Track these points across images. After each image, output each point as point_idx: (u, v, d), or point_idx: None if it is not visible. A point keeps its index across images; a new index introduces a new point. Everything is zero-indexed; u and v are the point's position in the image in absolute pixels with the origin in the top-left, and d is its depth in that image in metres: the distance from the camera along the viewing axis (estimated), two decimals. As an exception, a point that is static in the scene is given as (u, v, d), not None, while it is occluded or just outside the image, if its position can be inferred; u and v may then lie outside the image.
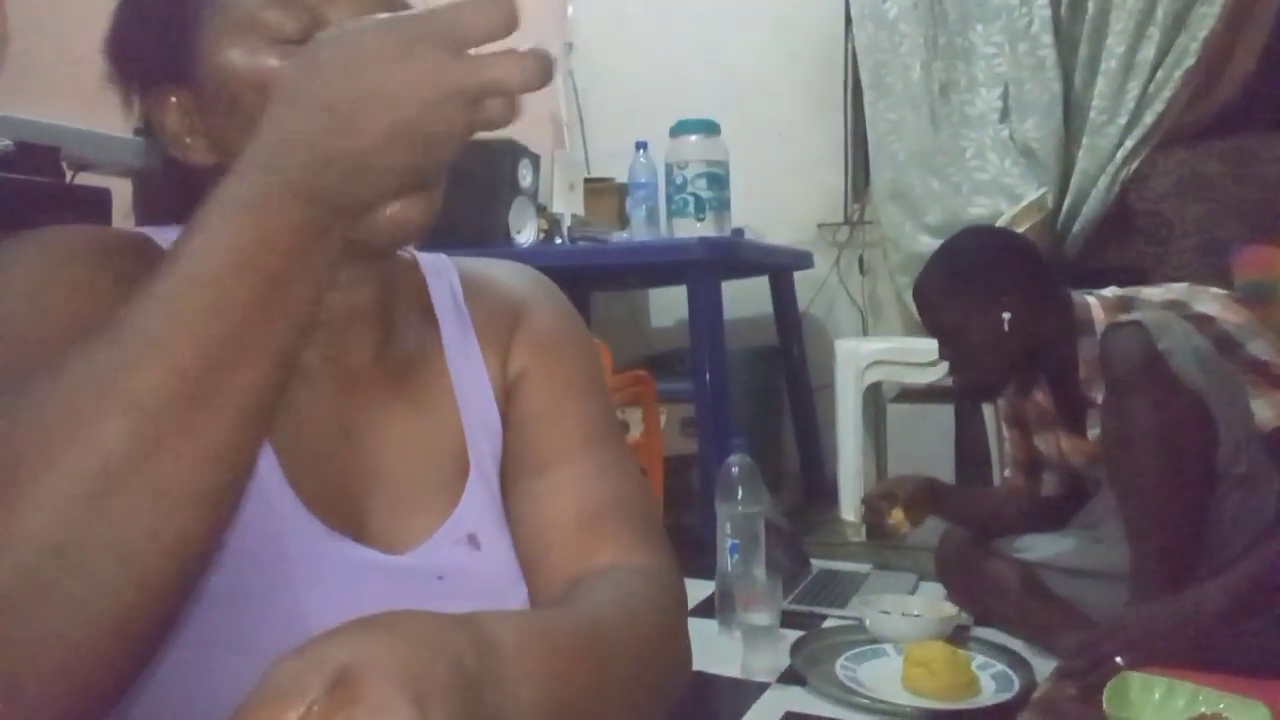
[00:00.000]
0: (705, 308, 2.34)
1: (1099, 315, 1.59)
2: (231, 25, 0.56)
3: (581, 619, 0.52)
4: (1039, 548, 1.73)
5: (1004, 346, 1.61)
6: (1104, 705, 1.14)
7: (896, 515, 1.81)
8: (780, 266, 2.98)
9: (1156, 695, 1.17)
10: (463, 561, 0.62)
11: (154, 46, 0.59)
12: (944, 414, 2.73)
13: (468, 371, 0.68)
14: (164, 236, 0.61)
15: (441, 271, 0.72)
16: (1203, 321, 1.45)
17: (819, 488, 3.01)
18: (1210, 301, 1.49)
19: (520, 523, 0.65)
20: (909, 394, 2.91)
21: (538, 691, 0.44)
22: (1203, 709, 1.12)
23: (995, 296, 1.61)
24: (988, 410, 2.56)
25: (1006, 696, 1.42)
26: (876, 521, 1.85)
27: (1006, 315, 1.59)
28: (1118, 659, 1.26)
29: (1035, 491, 1.84)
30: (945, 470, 2.67)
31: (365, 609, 0.40)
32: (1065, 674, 1.35)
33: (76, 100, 1.75)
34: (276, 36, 0.56)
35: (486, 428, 0.67)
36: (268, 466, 0.57)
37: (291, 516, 0.57)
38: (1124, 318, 1.47)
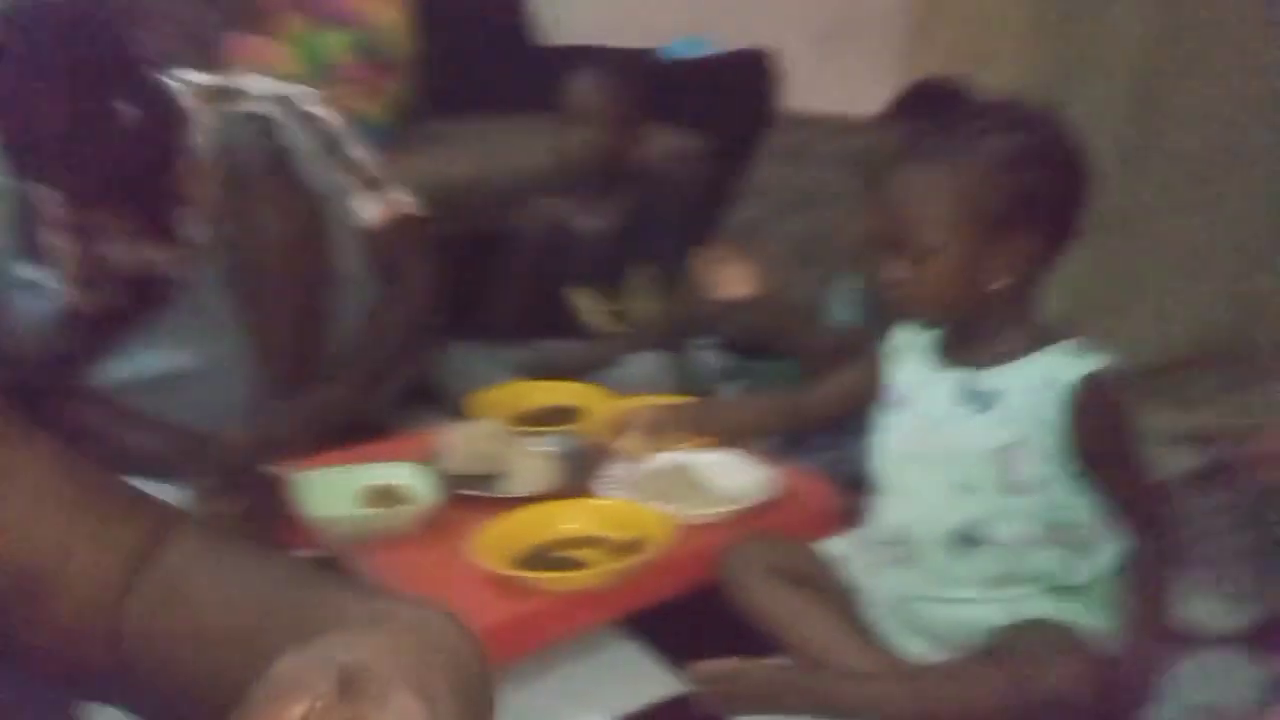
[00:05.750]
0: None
1: (194, 103, 1.44)
2: None
3: None
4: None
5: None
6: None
7: None
8: None
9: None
10: None
11: None
12: None
13: None
14: None
15: None
16: (309, 120, 1.48)
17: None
18: (313, 101, 1.51)
19: None
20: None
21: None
22: None
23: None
24: None
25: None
26: None
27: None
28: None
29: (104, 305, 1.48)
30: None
31: None
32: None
33: None
34: None
35: None
36: None
37: None
38: (234, 109, 1.42)
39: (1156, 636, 0.94)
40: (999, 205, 0.92)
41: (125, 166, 1.37)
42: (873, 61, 2.15)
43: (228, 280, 1.45)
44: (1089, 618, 0.94)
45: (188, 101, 1.45)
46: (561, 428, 1.45)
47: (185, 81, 1.47)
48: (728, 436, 1.44)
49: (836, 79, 2.27)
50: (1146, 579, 0.95)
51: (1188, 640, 1.08)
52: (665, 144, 2.02)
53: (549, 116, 2.24)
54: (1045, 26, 1.81)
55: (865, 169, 1.46)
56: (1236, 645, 1.12)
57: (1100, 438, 0.94)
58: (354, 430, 1.51)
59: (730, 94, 2.39)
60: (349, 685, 0.34)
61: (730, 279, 1.44)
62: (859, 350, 1.39)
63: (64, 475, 0.51)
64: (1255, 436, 1.54)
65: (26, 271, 1.44)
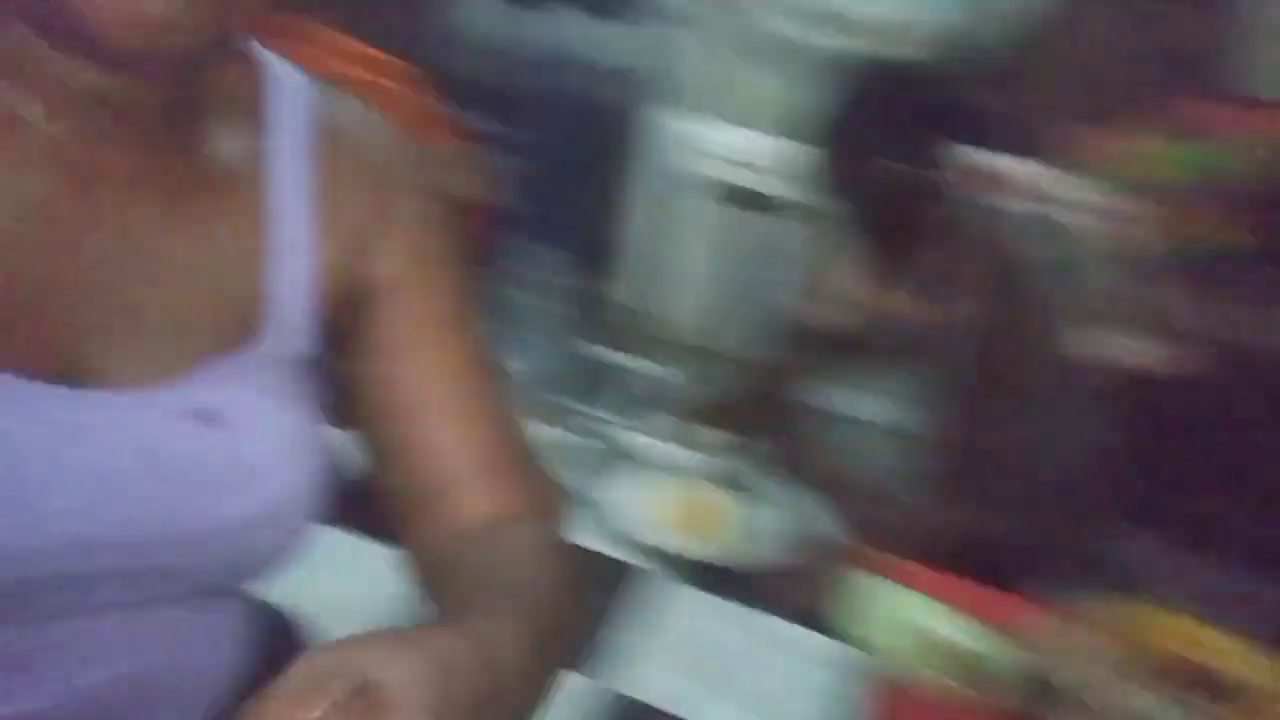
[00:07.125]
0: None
1: (976, 184, 1.43)
2: None
3: (541, 616, 0.52)
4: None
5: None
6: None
7: None
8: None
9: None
10: (181, 442, 0.51)
11: None
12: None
13: (291, 204, 0.57)
14: None
15: (297, 90, 0.59)
16: (1104, 235, 1.41)
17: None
18: (1122, 218, 1.47)
19: (395, 457, 0.63)
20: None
21: (524, 700, 0.48)
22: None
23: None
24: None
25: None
26: None
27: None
28: None
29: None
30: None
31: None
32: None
33: None
34: None
35: (300, 279, 0.57)
36: None
37: None
38: (1020, 208, 1.38)
39: None
40: None
41: (904, 217, 1.38)
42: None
43: (944, 360, 1.37)
44: None
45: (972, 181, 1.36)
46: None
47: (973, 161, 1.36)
48: None
49: None
50: None
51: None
52: None
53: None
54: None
55: None
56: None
57: None
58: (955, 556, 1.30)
59: None
60: (364, 696, 0.36)
61: None
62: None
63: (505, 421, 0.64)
64: None
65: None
